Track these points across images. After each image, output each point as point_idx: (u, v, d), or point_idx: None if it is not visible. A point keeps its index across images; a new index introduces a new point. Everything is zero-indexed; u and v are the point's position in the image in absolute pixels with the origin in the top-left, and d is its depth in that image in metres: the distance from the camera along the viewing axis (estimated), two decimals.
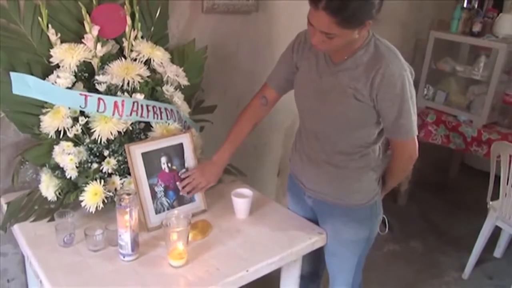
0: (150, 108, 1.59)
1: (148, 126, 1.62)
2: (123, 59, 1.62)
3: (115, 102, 1.52)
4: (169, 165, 1.59)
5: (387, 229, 1.79)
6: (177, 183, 1.61)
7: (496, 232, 2.84)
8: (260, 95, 1.81)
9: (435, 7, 3.43)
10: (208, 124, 2.05)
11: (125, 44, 1.68)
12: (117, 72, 1.57)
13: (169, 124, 1.65)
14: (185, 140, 1.64)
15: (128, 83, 1.57)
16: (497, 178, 2.61)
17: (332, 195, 1.64)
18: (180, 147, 1.62)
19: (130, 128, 1.56)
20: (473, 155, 3.17)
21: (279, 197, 2.76)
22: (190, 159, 1.64)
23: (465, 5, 3.28)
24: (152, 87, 1.66)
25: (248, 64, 2.31)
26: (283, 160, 2.70)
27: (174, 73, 1.72)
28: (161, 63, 1.72)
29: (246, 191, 1.67)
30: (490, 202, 2.73)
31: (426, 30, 3.35)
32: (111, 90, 1.55)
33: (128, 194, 1.35)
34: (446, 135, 3.21)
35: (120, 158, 1.53)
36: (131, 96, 1.56)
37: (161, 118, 1.63)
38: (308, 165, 1.67)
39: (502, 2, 4.18)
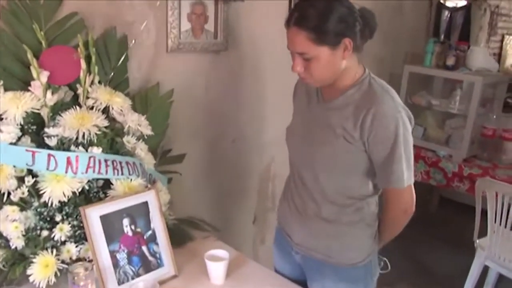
0: (109, 163, 1.39)
1: (107, 184, 1.42)
2: (77, 107, 1.43)
3: (68, 158, 1.32)
4: (133, 227, 1.39)
5: (389, 267, 1.58)
6: (143, 247, 1.40)
7: (483, 269, 2.70)
8: None
9: (408, 40, 3.39)
10: (177, 175, 1.86)
11: (80, 90, 1.49)
12: (71, 123, 1.38)
13: (131, 180, 1.45)
14: (150, 197, 1.44)
15: (83, 136, 1.37)
16: (483, 215, 2.50)
17: (322, 252, 1.46)
18: (144, 205, 1.42)
19: (87, 187, 1.36)
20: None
21: (256, 246, 2.56)
22: (156, 219, 1.44)
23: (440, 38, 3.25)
24: (111, 138, 1.47)
25: (218, 106, 2.15)
26: (258, 206, 2.52)
27: (136, 122, 1.54)
28: (121, 110, 1.53)
29: (222, 252, 1.47)
30: (477, 241, 2.61)
31: (400, 64, 3.28)
32: (63, 144, 1.35)
33: (85, 269, 1.14)
34: (426, 171, 3.11)
35: (75, 222, 1.33)
36: (87, 150, 1.37)
37: (122, 174, 1.43)
38: (296, 216, 1.51)
39: (468, 36, 4.22)
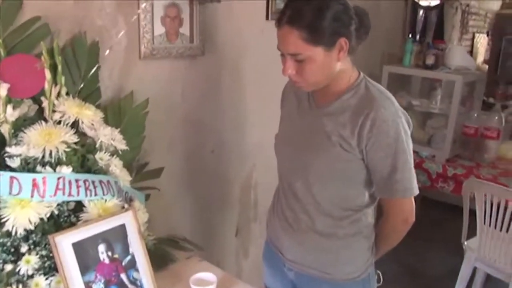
0: (81, 183, 1.25)
1: (79, 206, 1.27)
2: (43, 122, 1.28)
3: (34, 180, 1.18)
4: (109, 253, 1.25)
5: (381, 280, 1.51)
6: (122, 275, 1.27)
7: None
8: None
9: (384, 40, 3.33)
10: (155, 190, 1.73)
11: (45, 103, 1.34)
12: (36, 140, 1.23)
13: (106, 200, 1.31)
14: (128, 219, 1.31)
15: (50, 154, 1.22)
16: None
17: (318, 268, 1.36)
18: (121, 228, 1.29)
19: (56, 212, 1.21)
20: None
21: (239, 261, 2.44)
22: (135, 243, 1.31)
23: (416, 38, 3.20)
24: (82, 155, 1.33)
25: (196, 113, 2.02)
26: (241, 217, 2.40)
27: (108, 137, 1.40)
28: (92, 124, 1.39)
29: (209, 275, 1.34)
30: (465, 242, 2.56)
31: (378, 65, 3.22)
32: (28, 165, 1.20)
33: None
34: None
35: (44, 252, 1.18)
36: (55, 170, 1.22)
37: (95, 195, 1.29)
38: (288, 231, 1.40)
39: (442, 34, 4.22)
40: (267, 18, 2.17)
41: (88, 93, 1.54)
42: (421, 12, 3.69)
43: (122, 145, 1.45)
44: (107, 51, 1.61)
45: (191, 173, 2.09)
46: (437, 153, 2.93)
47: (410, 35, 3.58)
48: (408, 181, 1.24)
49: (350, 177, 1.28)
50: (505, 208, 2.23)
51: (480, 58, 5.94)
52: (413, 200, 1.29)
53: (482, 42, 6.04)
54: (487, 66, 5.16)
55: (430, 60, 2.94)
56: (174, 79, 1.89)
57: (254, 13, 2.11)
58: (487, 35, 5.88)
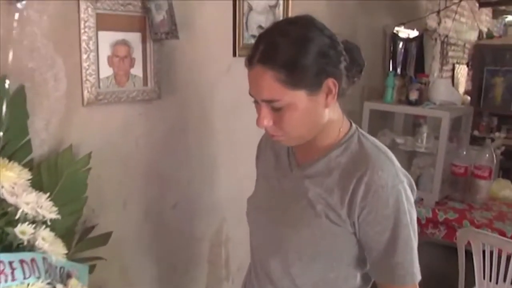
0: None
1: None
2: None
3: None
4: None
5: None
6: None
7: None
8: None
9: (364, 74, 3.13)
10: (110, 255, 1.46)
11: None
12: None
13: (28, 285, 1.04)
14: None
15: None
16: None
17: None
18: None
19: None
20: None
21: None
22: None
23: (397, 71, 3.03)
24: (0, 229, 1.07)
25: (154, 165, 1.77)
26: (210, 278, 2.12)
27: (33, 205, 1.13)
28: (13, 188, 1.13)
29: None
30: None
31: (358, 101, 3.02)
32: None
33: None
34: None
35: None
36: None
37: (13, 280, 1.02)
38: None
39: (423, 67, 4.08)
40: (234, 54, 1.94)
41: (15, 149, 1.28)
42: (400, 44, 3.54)
43: (51, 214, 1.17)
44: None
45: (152, 232, 1.82)
46: (426, 195, 2.71)
47: (390, 68, 3.41)
48: (411, 263, 0.98)
49: (339, 255, 1.03)
50: (508, 259, 2.00)
51: (461, 89, 5.85)
52: (417, 286, 1.02)
53: (462, 73, 5.96)
54: (469, 98, 5.04)
55: (413, 96, 2.74)
56: (127, 128, 1.64)
57: (219, 49, 1.88)
58: (467, 66, 5.80)
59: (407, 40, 3.72)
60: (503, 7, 6.88)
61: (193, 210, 1.98)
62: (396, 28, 3.48)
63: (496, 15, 7.57)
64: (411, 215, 0.97)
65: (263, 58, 0.92)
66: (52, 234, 1.19)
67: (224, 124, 1.99)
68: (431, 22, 4.48)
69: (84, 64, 1.45)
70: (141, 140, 1.69)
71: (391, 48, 3.43)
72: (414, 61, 3.82)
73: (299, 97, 0.93)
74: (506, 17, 7.94)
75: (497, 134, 4.66)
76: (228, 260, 2.18)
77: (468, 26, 5.99)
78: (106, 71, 1.52)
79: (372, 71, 3.25)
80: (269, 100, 0.94)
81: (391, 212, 0.94)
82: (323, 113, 0.98)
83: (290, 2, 2.15)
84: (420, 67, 3.98)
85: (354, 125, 1.07)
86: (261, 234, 1.14)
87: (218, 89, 1.91)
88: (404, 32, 3.68)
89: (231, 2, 1.92)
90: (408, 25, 3.58)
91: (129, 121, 1.63)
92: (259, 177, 1.23)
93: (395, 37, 3.48)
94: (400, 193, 0.95)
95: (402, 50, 3.60)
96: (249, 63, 0.96)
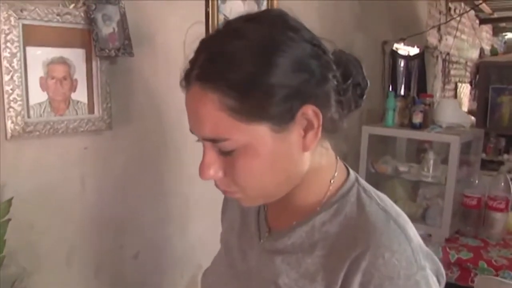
0: None
1: None
2: None
3: None
4: None
5: None
6: None
7: None
8: None
9: None
10: None
11: None
12: None
13: None
14: None
15: None
16: None
17: None
18: None
19: None
20: None
21: None
22: None
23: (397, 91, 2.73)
24: None
25: (106, 207, 1.45)
26: None
27: None
28: None
29: None
30: None
31: (356, 125, 2.71)
32: None
33: None
34: None
35: None
36: None
37: None
38: None
39: (425, 87, 3.81)
40: None
41: None
42: (402, 62, 3.27)
43: None
44: None
45: None
46: (434, 231, 2.38)
47: (390, 89, 3.12)
48: None
49: None
50: None
51: (464, 108, 5.57)
52: None
53: (465, 92, 5.69)
54: (473, 118, 4.74)
55: (417, 119, 2.42)
56: (68, 165, 1.33)
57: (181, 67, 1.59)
58: (470, 84, 5.53)
59: (407, 58, 3.45)
60: (503, 24, 6.69)
61: (161, 258, 1.66)
62: (396, 45, 3.20)
63: (496, 32, 7.38)
64: None
65: (203, 74, 0.61)
66: None
67: (196, 156, 1.67)
68: (432, 39, 4.23)
69: (6, 88, 1.15)
70: (88, 179, 1.37)
71: (390, 66, 3.15)
72: (417, 81, 3.54)
73: (259, 135, 0.60)
74: (506, 35, 7.76)
75: (505, 156, 4.34)
76: None
77: (469, 43, 5.76)
78: (38, 96, 1.22)
79: (371, 92, 2.93)
80: (213, 139, 0.63)
81: None
82: (300, 158, 0.66)
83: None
84: (422, 87, 3.71)
85: (352, 174, 0.73)
86: None
87: (186, 115, 1.61)
88: (404, 50, 3.41)
89: (202, 11, 1.64)
90: (408, 41, 3.31)
91: (71, 157, 1.32)
92: (221, 242, 0.88)
93: (394, 55, 3.20)
94: (420, 285, 0.61)
95: (402, 69, 3.32)
96: (186, 82, 0.65)
